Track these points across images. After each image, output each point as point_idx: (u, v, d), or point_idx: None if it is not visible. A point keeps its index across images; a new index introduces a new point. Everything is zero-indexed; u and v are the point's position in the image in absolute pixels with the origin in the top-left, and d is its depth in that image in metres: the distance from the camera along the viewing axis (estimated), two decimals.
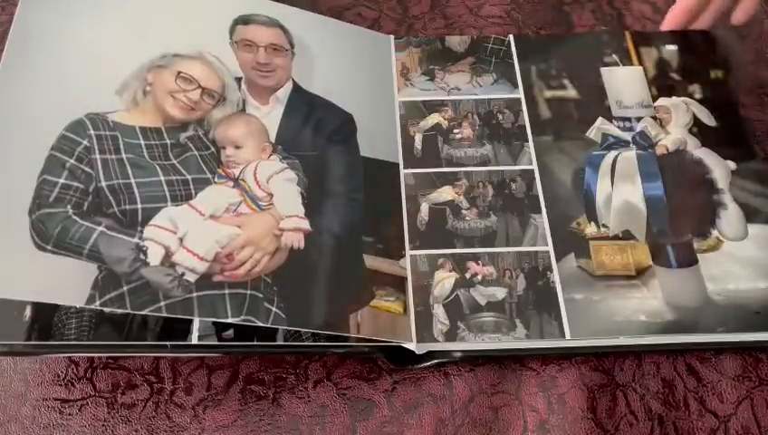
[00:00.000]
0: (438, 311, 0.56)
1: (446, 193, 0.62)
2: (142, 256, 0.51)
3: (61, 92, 0.56)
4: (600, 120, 0.66)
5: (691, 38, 0.72)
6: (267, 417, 0.55)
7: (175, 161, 0.56)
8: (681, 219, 0.61)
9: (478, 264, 0.58)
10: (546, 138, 0.66)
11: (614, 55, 0.71)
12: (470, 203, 0.62)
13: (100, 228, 0.51)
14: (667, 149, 0.64)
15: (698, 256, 0.59)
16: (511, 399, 0.55)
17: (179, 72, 0.59)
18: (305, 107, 0.63)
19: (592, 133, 0.66)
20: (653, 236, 0.60)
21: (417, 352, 0.55)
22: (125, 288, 0.50)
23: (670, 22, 0.72)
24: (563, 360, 0.56)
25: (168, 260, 0.52)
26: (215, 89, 0.60)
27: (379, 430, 0.54)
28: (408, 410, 0.55)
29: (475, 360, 0.57)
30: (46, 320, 0.52)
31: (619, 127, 0.66)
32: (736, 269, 0.58)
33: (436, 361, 0.56)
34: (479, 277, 0.58)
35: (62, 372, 0.56)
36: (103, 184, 0.53)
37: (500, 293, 0.57)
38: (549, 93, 0.69)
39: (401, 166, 0.63)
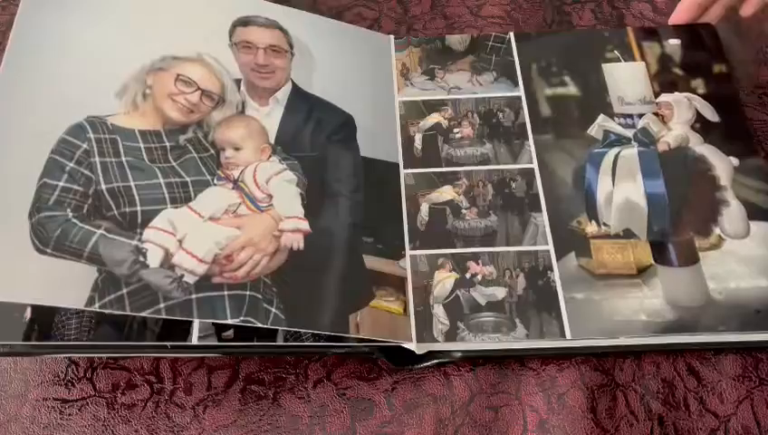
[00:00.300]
0: (438, 311, 0.56)
1: (446, 193, 0.63)
2: (142, 259, 0.51)
3: (61, 96, 0.56)
4: (601, 117, 0.66)
5: (694, 32, 0.72)
6: (267, 417, 0.55)
7: (174, 164, 0.57)
8: (683, 217, 0.60)
9: (478, 264, 0.58)
10: (547, 136, 0.66)
11: (615, 51, 0.70)
12: (470, 202, 0.62)
13: (100, 231, 0.52)
14: (669, 146, 0.64)
15: (699, 254, 0.59)
16: (511, 399, 0.55)
17: (179, 75, 0.59)
18: (305, 108, 0.64)
19: (593, 131, 0.65)
20: (654, 235, 0.60)
21: (417, 353, 0.55)
22: (124, 290, 0.51)
23: (679, 15, 0.71)
24: (563, 360, 0.57)
25: (167, 262, 0.52)
26: (214, 91, 0.60)
27: (379, 430, 0.54)
28: (408, 410, 0.55)
29: (474, 360, 0.57)
30: (46, 320, 0.53)
31: (620, 124, 0.66)
32: (737, 268, 0.58)
33: (436, 361, 0.56)
34: (479, 277, 0.58)
35: (62, 372, 0.57)
36: (103, 187, 0.54)
37: (500, 292, 0.57)
38: (549, 91, 0.68)
39: (401, 166, 0.63)
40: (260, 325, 0.52)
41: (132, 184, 0.54)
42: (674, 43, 0.71)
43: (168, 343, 0.53)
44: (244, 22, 0.65)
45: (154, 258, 0.52)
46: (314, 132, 0.63)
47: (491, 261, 0.59)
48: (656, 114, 0.66)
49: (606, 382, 0.56)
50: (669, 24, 0.72)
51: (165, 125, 0.59)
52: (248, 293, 0.53)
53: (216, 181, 0.58)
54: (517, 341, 0.55)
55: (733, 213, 0.60)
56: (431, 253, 0.59)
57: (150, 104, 0.59)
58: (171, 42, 0.61)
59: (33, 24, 0.58)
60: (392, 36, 0.72)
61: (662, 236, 0.60)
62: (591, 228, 0.60)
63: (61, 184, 0.53)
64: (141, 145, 0.57)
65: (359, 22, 0.77)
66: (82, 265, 0.51)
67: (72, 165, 0.54)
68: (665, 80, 0.68)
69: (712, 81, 0.68)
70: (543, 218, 0.61)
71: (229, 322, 0.52)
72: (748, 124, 0.66)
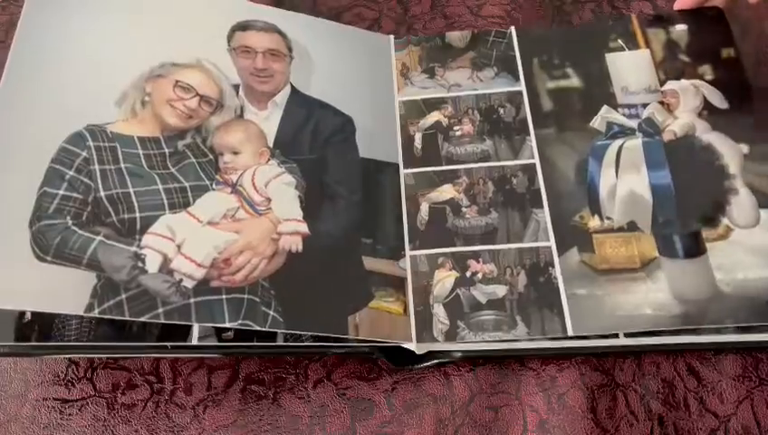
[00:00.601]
0: (438, 310, 0.57)
1: (446, 192, 0.63)
2: (140, 264, 0.52)
3: (61, 105, 0.57)
4: (604, 108, 0.65)
5: (701, 16, 0.70)
6: (267, 417, 0.56)
7: (173, 169, 0.58)
8: (689, 208, 0.59)
9: (478, 262, 0.58)
10: (548, 130, 0.65)
11: (619, 40, 0.69)
12: (470, 200, 0.62)
13: (99, 238, 0.52)
14: (675, 135, 0.62)
15: (707, 245, 0.57)
16: (511, 399, 0.55)
17: (177, 81, 0.60)
18: (303, 111, 0.64)
19: (596, 123, 0.64)
20: (659, 227, 0.59)
21: (416, 353, 0.54)
22: (123, 296, 0.51)
23: (685, 0, 0.70)
24: (563, 360, 0.57)
25: (165, 267, 0.53)
26: (212, 96, 0.61)
27: (379, 430, 0.55)
28: (408, 410, 0.55)
29: (475, 360, 0.58)
30: (46, 321, 0.53)
31: (624, 114, 0.64)
32: (746, 258, 0.56)
33: (436, 361, 0.57)
34: (479, 275, 0.58)
35: (62, 372, 0.57)
36: (102, 194, 0.54)
37: (500, 290, 0.58)
38: (551, 84, 0.68)
39: (401, 166, 0.63)
40: (258, 328, 0.53)
41: (131, 190, 0.55)
42: (680, 29, 0.69)
43: (168, 344, 0.53)
44: (243, 26, 0.65)
45: (153, 264, 0.52)
46: (313, 135, 0.63)
47: (491, 259, 0.59)
48: (661, 103, 0.65)
49: (606, 382, 0.56)
50: (675, 9, 0.71)
51: (164, 131, 0.59)
52: (246, 296, 0.54)
53: (214, 186, 0.58)
54: (518, 341, 0.55)
55: (742, 202, 0.59)
56: (431, 252, 0.59)
57: (149, 111, 0.59)
58: (170, 48, 0.62)
59: (34, 36, 0.59)
60: (392, 36, 0.72)
61: (667, 228, 0.58)
62: (594, 223, 0.60)
63: (60, 192, 0.53)
64: (140, 151, 0.57)
65: (358, 22, 0.77)
66: (82, 271, 0.51)
67: (71, 173, 0.54)
68: (671, 67, 0.67)
69: (720, 66, 0.66)
70: (545, 214, 0.60)
71: (227, 325, 0.53)
72: (759, 109, 0.64)
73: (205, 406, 0.56)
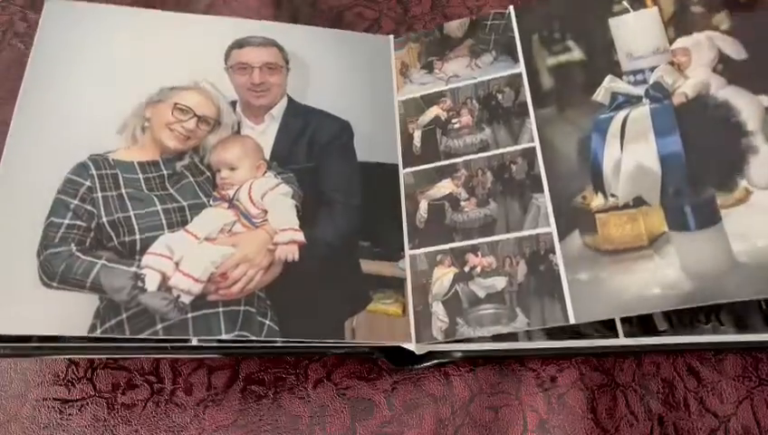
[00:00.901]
0: (437, 309, 0.57)
1: (444, 187, 0.62)
2: (140, 284, 0.54)
3: (66, 137, 0.60)
4: (608, 78, 0.60)
5: None
6: (267, 417, 0.56)
7: (171, 190, 0.59)
8: (702, 174, 0.54)
9: (477, 255, 0.58)
10: (548, 109, 0.62)
11: (624, 2, 0.64)
12: (469, 193, 0.61)
13: (102, 261, 0.54)
14: (687, 97, 0.58)
15: (722, 212, 0.52)
16: (511, 399, 0.56)
17: (176, 104, 0.61)
18: (300, 120, 0.64)
19: (600, 95, 0.60)
20: (669, 199, 0.54)
21: (416, 353, 0.54)
22: (124, 315, 0.53)
23: None
24: (563, 360, 0.57)
25: (164, 285, 0.54)
26: (210, 115, 0.61)
27: (379, 430, 0.55)
28: (408, 410, 0.56)
29: (475, 360, 0.58)
30: None
31: (629, 82, 0.60)
32: (767, 222, 0.51)
33: (436, 361, 0.57)
34: (478, 269, 0.58)
35: (62, 372, 0.58)
36: (104, 220, 0.56)
37: (500, 283, 0.57)
38: (552, 60, 0.64)
39: (400, 166, 0.62)
40: (254, 338, 0.54)
41: (132, 214, 0.57)
42: None
43: (168, 344, 0.54)
44: (240, 44, 0.66)
45: (152, 282, 0.54)
46: (310, 143, 0.63)
47: (490, 251, 0.58)
48: (671, 64, 0.60)
49: (606, 382, 0.56)
50: None
51: (162, 154, 0.60)
52: (242, 308, 0.55)
53: (211, 202, 0.59)
54: (517, 330, 0.54)
55: (763, 159, 0.53)
56: (430, 250, 0.59)
57: (149, 136, 0.60)
58: (168, 73, 0.63)
59: (43, 75, 0.62)
60: (392, 36, 0.72)
61: (678, 198, 0.54)
62: (597, 202, 0.57)
63: (66, 221, 0.55)
64: (140, 176, 0.59)
65: (359, 22, 0.76)
66: (85, 294, 0.53)
67: (76, 202, 0.56)
68: (682, 22, 0.62)
69: (737, 12, 0.60)
70: (545, 198, 0.58)
71: (224, 337, 0.54)
72: None
73: (205, 406, 0.56)
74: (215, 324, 0.54)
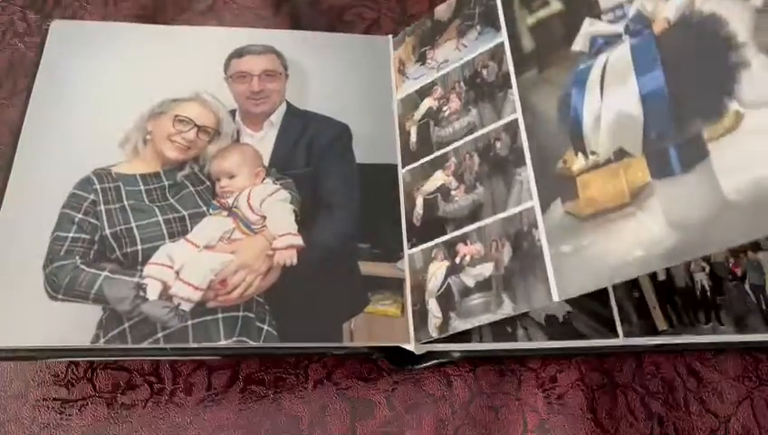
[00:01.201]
0: (432, 305, 0.57)
1: (437, 179, 0.62)
2: (142, 293, 0.55)
3: (71, 152, 0.61)
4: (586, 21, 0.55)
5: None
6: (267, 417, 0.56)
7: (172, 200, 0.60)
8: (687, 107, 0.47)
9: (466, 244, 0.58)
10: (530, 73, 0.59)
11: None
12: (458, 181, 0.60)
13: (105, 273, 0.56)
14: (669, 22, 0.50)
15: (709, 146, 0.45)
16: (511, 399, 0.56)
17: (176, 116, 0.62)
18: (299, 126, 0.65)
19: (579, 44, 0.56)
20: (652, 144, 0.48)
21: (415, 353, 0.54)
22: (126, 325, 0.54)
23: None
24: (563, 360, 0.58)
25: (165, 293, 0.55)
26: (210, 125, 0.63)
27: (379, 430, 0.56)
28: (408, 410, 0.56)
29: (474, 360, 0.58)
30: None
31: (609, 21, 0.55)
32: (762, 146, 0.42)
33: (435, 361, 0.58)
34: (467, 258, 0.57)
35: (62, 372, 0.58)
36: (107, 232, 0.58)
37: (487, 270, 0.55)
38: (531, 19, 0.61)
39: (399, 166, 0.62)
40: (253, 344, 0.55)
41: (134, 225, 0.58)
42: None
43: (168, 346, 0.54)
44: (239, 53, 0.67)
45: (153, 292, 0.55)
46: (309, 148, 0.64)
47: (478, 238, 0.57)
48: None
49: (606, 382, 0.57)
50: None
51: (164, 165, 0.62)
52: (241, 313, 0.56)
53: (211, 211, 0.60)
54: (505, 316, 0.52)
55: (756, 73, 0.44)
56: (426, 247, 0.59)
57: (150, 149, 0.62)
58: (169, 86, 0.64)
59: (48, 96, 0.63)
60: (390, 36, 0.72)
61: (661, 141, 0.48)
62: (578, 164, 0.52)
63: (70, 235, 0.57)
64: (142, 188, 0.60)
65: (358, 22, 0.77)
66: (89, 305, 0.55)
67: (80, 216, 0.58)
68: None
69: None
70: (528, 171, 0.55)
71: (222, 344, 0.55)
72: None
73: (205, 406, 0.56)
74: (214, 331, 0.55)
